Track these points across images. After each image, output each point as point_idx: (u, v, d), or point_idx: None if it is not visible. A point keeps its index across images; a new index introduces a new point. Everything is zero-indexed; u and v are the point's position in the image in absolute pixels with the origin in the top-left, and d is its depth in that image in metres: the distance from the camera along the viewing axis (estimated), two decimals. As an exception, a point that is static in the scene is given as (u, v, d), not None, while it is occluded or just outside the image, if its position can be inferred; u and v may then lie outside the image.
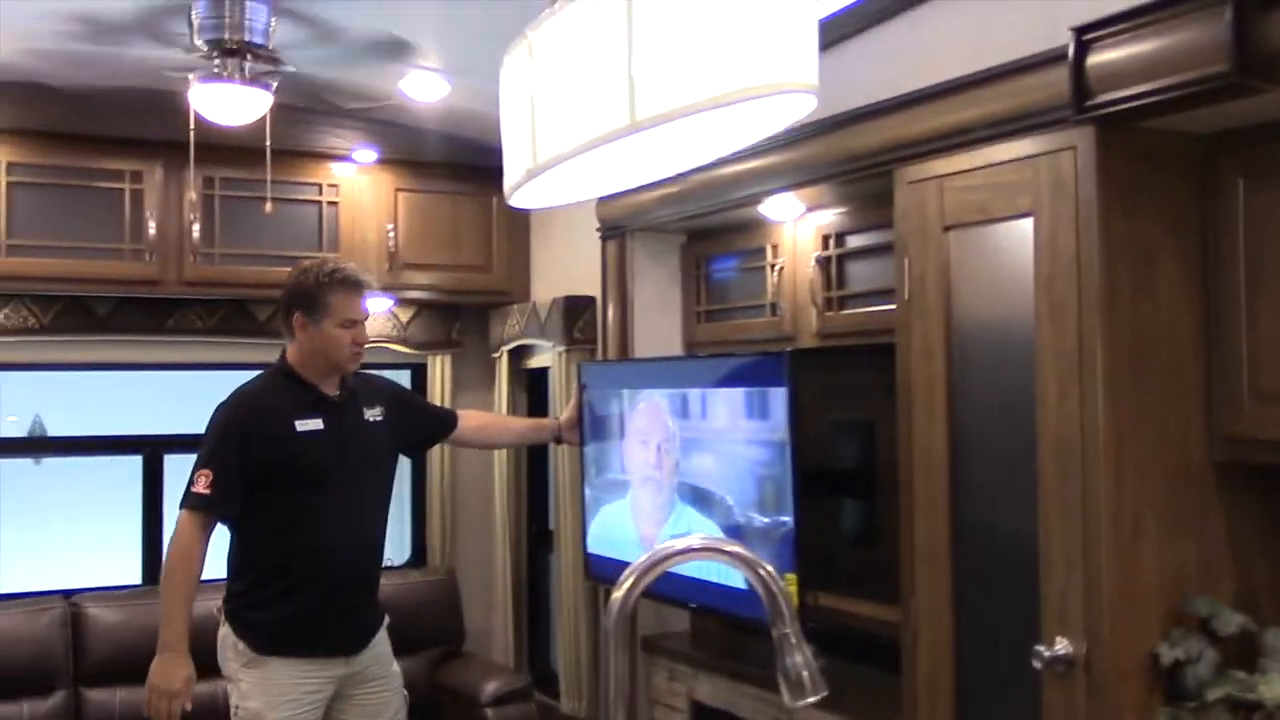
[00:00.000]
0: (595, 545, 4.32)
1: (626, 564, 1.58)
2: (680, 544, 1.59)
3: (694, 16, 1.25)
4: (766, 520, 3.50)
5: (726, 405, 3.71)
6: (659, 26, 1.27)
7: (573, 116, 1.41)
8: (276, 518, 3.24)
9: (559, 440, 4.15)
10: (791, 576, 3.30)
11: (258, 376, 3.42)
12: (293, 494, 3.23)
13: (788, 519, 3.39)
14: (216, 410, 3.31)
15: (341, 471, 3.28)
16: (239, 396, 3.33)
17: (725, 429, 3.70)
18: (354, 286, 3.30)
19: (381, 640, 3.41)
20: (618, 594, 1.54)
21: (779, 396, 3.40)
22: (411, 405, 3.82)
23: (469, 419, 3.90)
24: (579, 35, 1.38)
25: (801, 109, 1.30)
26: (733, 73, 1.23)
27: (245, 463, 3.18)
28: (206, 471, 3.16)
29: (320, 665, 3.23)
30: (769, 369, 3.49)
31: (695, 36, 1.25)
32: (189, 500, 3.17)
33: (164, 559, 3.24)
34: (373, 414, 3.42)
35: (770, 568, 1.56)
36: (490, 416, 4.79)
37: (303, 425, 3.26)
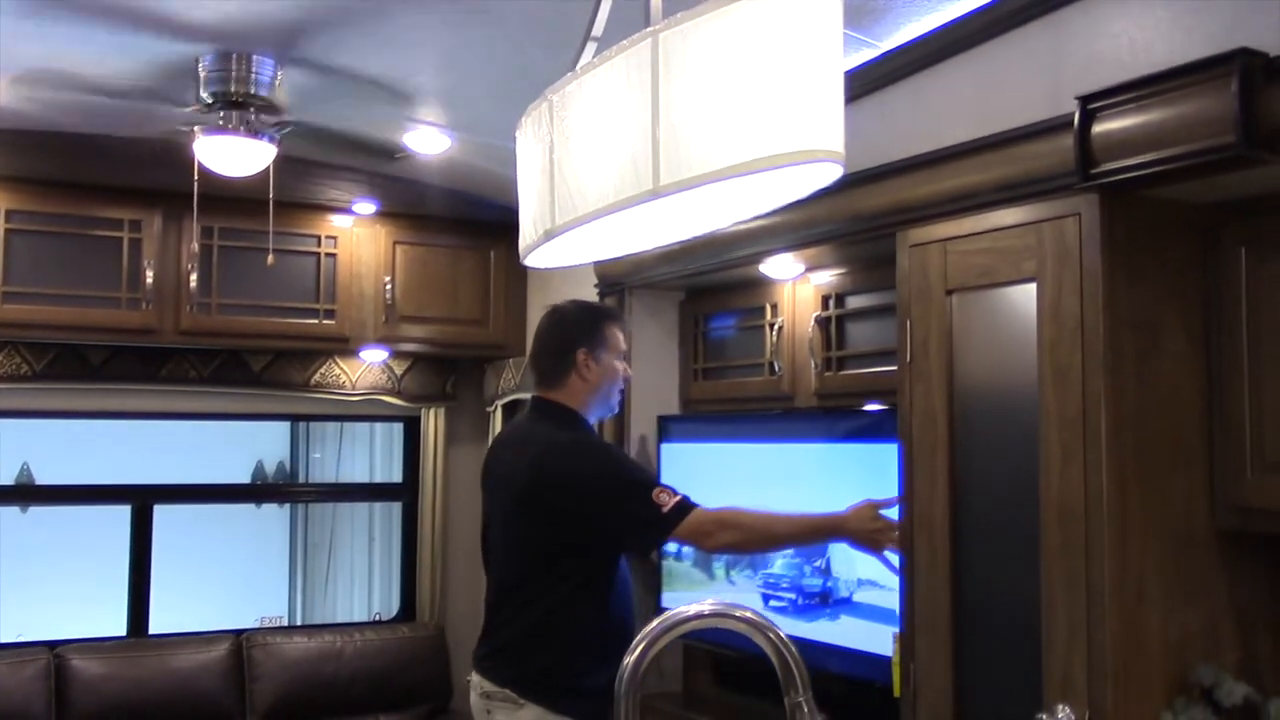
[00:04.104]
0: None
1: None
2: (691, 609, 1.58)
3: (721, 84, 1.26)
4: (821, 589, 3.46)
5: (821, 461, 3.62)
6: (685, 93, 1.28)
7: (594, 179, 1.42)
8: (614, 573, 3.05)
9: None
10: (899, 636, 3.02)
11: (562, 422, 3.11)
12: (614, 560, 3.08)
13: (891, 578, 3.12)
14: (592, 452, 3.08)
15: None
16: (592, 436, 3.17)
17: (814, 486, 3.61)
18: (621, 320, 3.28)
19: None
20: (629, 659, 1.53)
21: (889, 453, 3.11)
22: None
23: None
24: (603, 99, 1.39)
25: (826, 176, 1.30)
26: (758, 140, 1.24)
27: None
28: (660, 488, 2.94)
29: None
30: (882, 424, 3.31)
31: (721, 103, 1.26)
32: (680, 511, 2.89)
33: (749, 545, 3.14)
34: None
35: (782, 632, 1.55)
36: None
37: None
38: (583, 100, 1.44)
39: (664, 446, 4.24)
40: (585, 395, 3.13)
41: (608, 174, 1.39)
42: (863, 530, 2.92)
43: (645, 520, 2.90)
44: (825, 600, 3.48)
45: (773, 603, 3.68)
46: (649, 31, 1.32)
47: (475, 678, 3.08)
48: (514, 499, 3.08)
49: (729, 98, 1.25)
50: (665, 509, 2.87)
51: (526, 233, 1.63)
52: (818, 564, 3.51)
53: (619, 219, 1.45)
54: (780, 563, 3.64)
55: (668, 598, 4.17)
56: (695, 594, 4.03)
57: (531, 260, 1.69)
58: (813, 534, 3.09)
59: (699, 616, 1.58)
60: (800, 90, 1.22)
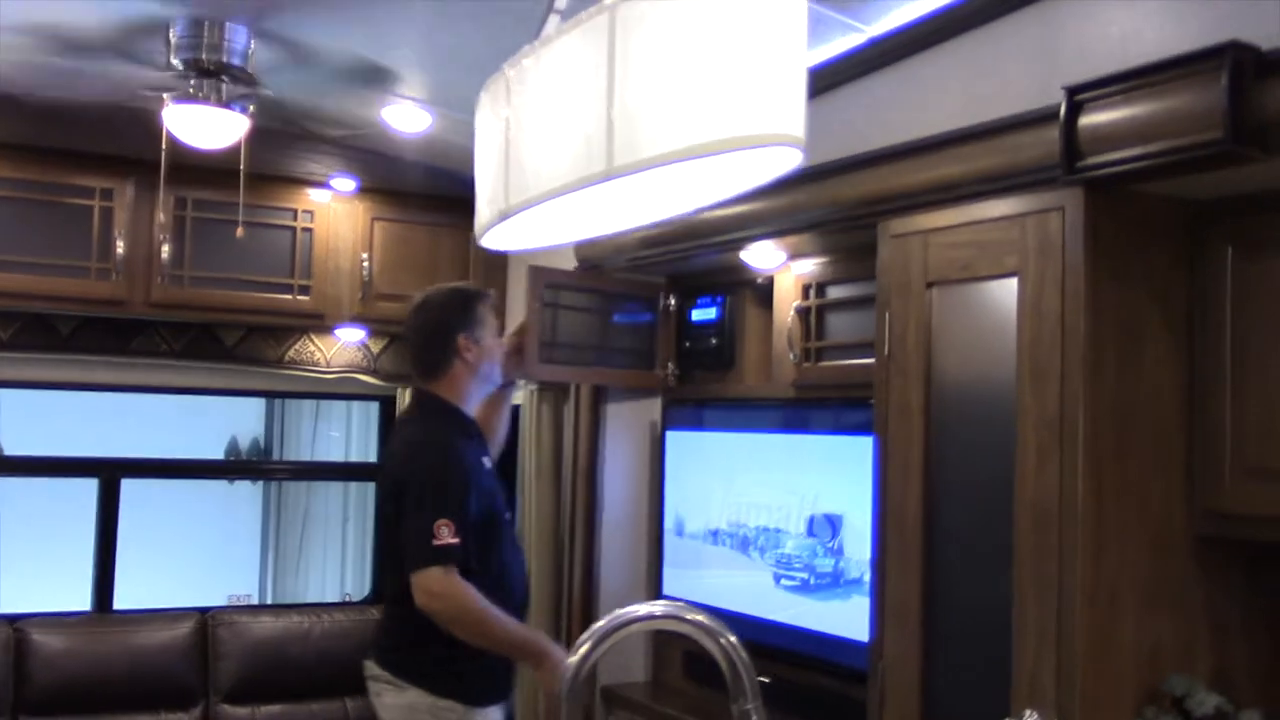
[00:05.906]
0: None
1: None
2: (643, 609, 1.53)
3: (678, 63, 1.19)
4: (834, 570, 3.46)
5: (797, 453, 3.65)
6: (641, 72, 1.21)
7: (549, 159, 1.35)
8: (486, 566, 3.03)
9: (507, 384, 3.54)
10: None
11: (429, 421, 3.16)
12: (492, 541, 3.06)
13: (863, 569, 3.22)
14: (428, 458, 3.04)
15: (508, 509, 3.21)
16: (445, 443, 3.06)
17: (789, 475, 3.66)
18: (490, 298, 3.29)
19: None
20: (574, 659, 1.47)
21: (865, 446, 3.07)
22: None
23: None
24: (558, 76, 1.32)
25: (787, 162, 1.24)
26: (715, 122, 1.17)
27: (471, 514, 2.98)
28: (449, 521, 2.90)
29: (504, 708, 3.13)
30: (859, 416, 3.28)
31: (678, 83, 1.19)
32: (444, 555, 2.89)
33: (459, 625, 2.93)
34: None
35: (734, 638, 1.49)
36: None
37: (488, 465, 3.16)
38: (538, 76, 1.37)
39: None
40: (468, 379, 3.17)
41: (562, 153, 1.32)
42: (555, 675, 2.92)
43: (415, 540, 2.92)
44: (837, 580, 3.49)
45: (784, 581, 3.70)
46: (606, 5, 1.25)
47: (366, 661, 3.15)
48: (383, 495, 3.16)
49: (686, 76, 1.18)
50: (434, 541, 2.88)
51: (481, 212, 1.57)
52: (830, 544, 3.52)
53: (577, 200, 1.39)
54: (791, 543, 3.68)
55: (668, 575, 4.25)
56: (694, 575, 4.11)
57: (488, 241, 1.62)
58: (519, 649, 3.06)
59: (650, 618, 1.54)
60: (759, 72, 1.15)
